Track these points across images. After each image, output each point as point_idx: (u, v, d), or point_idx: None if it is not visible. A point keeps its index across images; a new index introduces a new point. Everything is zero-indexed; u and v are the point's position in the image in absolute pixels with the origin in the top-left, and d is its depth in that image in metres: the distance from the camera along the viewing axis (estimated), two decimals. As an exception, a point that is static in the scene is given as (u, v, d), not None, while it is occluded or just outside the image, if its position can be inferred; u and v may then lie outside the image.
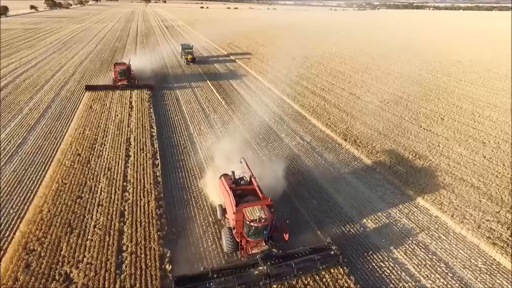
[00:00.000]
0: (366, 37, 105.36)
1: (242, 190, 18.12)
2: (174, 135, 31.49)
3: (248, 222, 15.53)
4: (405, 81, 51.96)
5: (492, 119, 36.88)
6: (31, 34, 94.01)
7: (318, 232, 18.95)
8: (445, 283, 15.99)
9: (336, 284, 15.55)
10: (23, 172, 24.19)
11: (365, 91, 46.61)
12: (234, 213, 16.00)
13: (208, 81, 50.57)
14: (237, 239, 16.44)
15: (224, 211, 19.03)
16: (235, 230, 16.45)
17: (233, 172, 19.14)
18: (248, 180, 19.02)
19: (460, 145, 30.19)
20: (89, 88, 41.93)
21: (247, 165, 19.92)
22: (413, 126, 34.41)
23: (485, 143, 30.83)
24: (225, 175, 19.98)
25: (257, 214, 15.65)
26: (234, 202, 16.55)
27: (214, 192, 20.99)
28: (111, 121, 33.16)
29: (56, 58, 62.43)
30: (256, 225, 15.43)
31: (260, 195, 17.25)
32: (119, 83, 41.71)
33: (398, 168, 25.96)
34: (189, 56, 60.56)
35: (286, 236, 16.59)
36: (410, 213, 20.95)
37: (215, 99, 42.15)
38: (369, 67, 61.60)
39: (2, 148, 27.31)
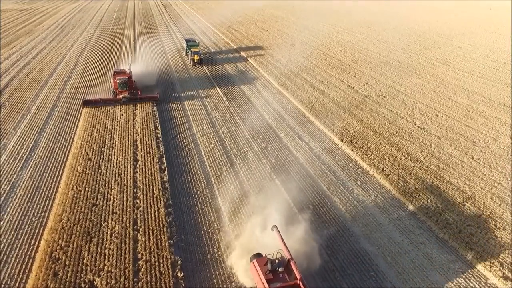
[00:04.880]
0: (368, 18, 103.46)
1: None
2: (178, 135, 32.90)
3: None
4: (404, 71, 52.52)
5: (485, 115, 38.07)
6: (27, 17, 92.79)
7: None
8: (425, 287, 18.09)
9: None
10: (39, 177, 25.87)
11: (363, 83, 47.38)
12: None
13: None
14: None
15: None
16: None
17: (270, 261, 16.02)
18: (286, 261, 16.29)
19: (451, 145, 31.66)
20: (87, 103, 37.64)
21: (281, 238, 16.76)
22: (407, 124, 35.70)
23: (475, 142, 32.29)
24: (257, 256, 16.95)
25: None
26: None
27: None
28: (117, 121, 34.46)
29: (56, 47, 62.54)
30: None
31: None
32: (120, 96, 39.09)
33: (390, 170, 27.60)
34: (196, 57, 52.63)
35: None
36: (398, 219, 22.84)
37: (216, 94, 43.17)
38: (369, 55, 61.71)
39: (16, 153, 28.90)
